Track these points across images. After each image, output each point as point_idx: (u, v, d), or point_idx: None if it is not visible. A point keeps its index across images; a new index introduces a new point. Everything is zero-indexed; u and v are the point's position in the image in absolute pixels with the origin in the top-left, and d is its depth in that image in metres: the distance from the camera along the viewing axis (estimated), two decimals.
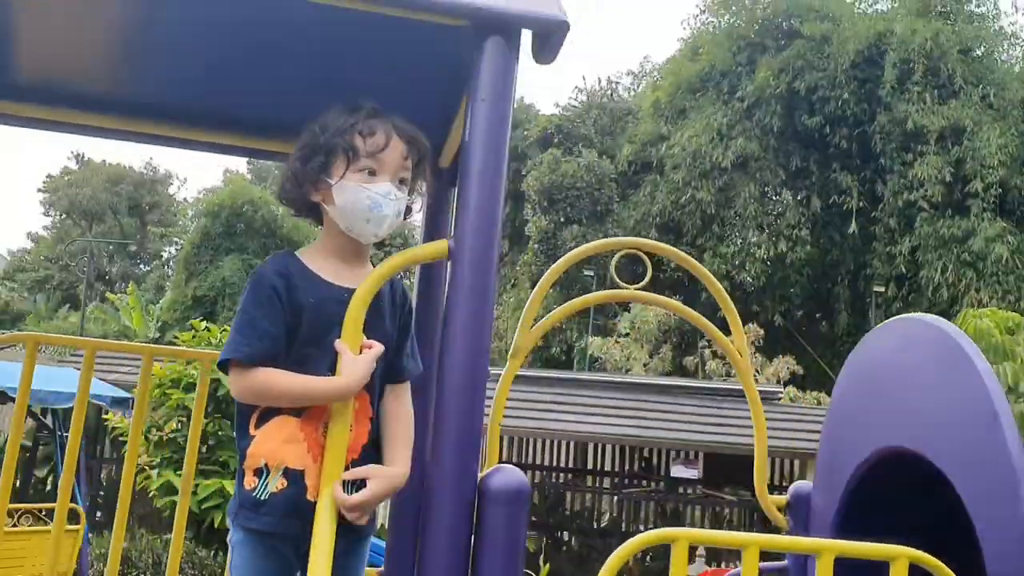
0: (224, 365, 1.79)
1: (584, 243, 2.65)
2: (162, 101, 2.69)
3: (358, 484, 1.75)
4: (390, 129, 1.91)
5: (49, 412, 9.18)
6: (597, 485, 13.84)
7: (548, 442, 13.75)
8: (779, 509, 2.70)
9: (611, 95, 29.03)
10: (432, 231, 2.68)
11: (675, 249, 2.79)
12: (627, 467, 13.84)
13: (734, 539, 1.72)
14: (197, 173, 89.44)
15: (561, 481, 14.14)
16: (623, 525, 13.26)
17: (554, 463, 14.02)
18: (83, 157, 40.02)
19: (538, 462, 13.96)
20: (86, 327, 26.87)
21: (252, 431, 1.84)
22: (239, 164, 44.74)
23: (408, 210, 2.02)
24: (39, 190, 39.48)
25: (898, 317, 2.45)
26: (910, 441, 2.23)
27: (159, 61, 2.45)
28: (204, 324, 9.23)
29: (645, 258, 2.74)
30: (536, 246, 25.43)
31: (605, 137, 27.23)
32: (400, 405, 1.94)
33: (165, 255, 38.30)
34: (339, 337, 1.73)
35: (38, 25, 2.55)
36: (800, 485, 2.69)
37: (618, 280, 2.72)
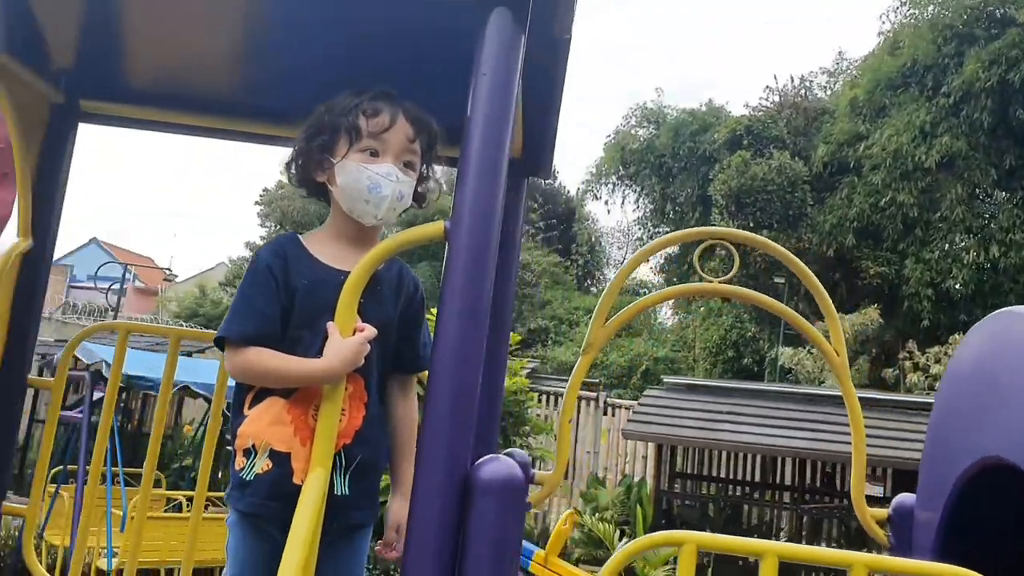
0: (220, 344, 1.82)
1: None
2: (273, 102, 2.75)
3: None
4: (396, 111, 1.88)
5: None
6: (776, 499, 13.25)
7: (727, 454, 13.31)
8: (879, 523, 2.44)
9: (805, 94, 27.77)
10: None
11: (760, 237, 2.59)
12: (808, 482, 13.16)
13: (751, 546, 1.56)
14: None
15: (739, 494, 13.64)
16: (802, 542, 12.60)
17: (732, 475, 13.55)
18: None
19: (716, 474, 13.55)
20: None
21: (245, 411, 1.86)
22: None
23: (421, 197, 1.98)
24: (256, 203, 42.47)
25: (1003, 310, 2.16)
26: (1010, 451, 1.95)
27: (271, 63, 2.51)
28: None
29: (731, 248, 2.56)
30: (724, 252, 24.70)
31: (798, 138, 26.07)
32: (407, 405, 1.90)
33: None
34: (332, 320, 1.71)
35: (155, 31, 2.70)
36: (903, 498, 2.42)
37: (702, 273, 2.55)
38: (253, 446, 1.83)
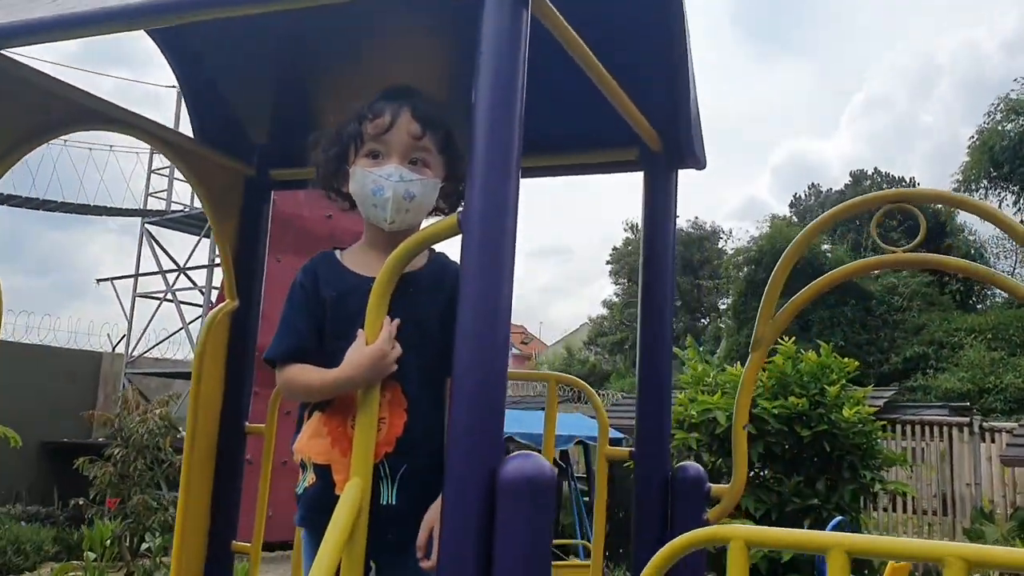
0: (272, 364, 1.87)
1: None
2: None
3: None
4: (398, 109, 1.84)
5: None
6: None
7: None
8: None
9: None
10: (650, 223, 2.48)
11: (956, 194, 2.18)
12: None
13: (813, 539, 1.27)
14: (744, 224, 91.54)
15: None
16: None
17: None
18: (638, 227, 43.71)
19: None
20: None
21: (303, 428, 1.88)
22: (783, 208, 44.74)
23: (452, 195, 1.90)
24: (607, 262, 43.97)
25: None
26: None
27: None
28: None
29: (918, 212, 2.17)
30: None
31: None
32: None
33: (723, 307, 39.59)
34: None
35: (334, 98, 2.95)
36: None
37: (880, 243, 2.19)
38: (302, 461, 1.87)
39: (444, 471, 1.46)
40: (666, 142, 2.44)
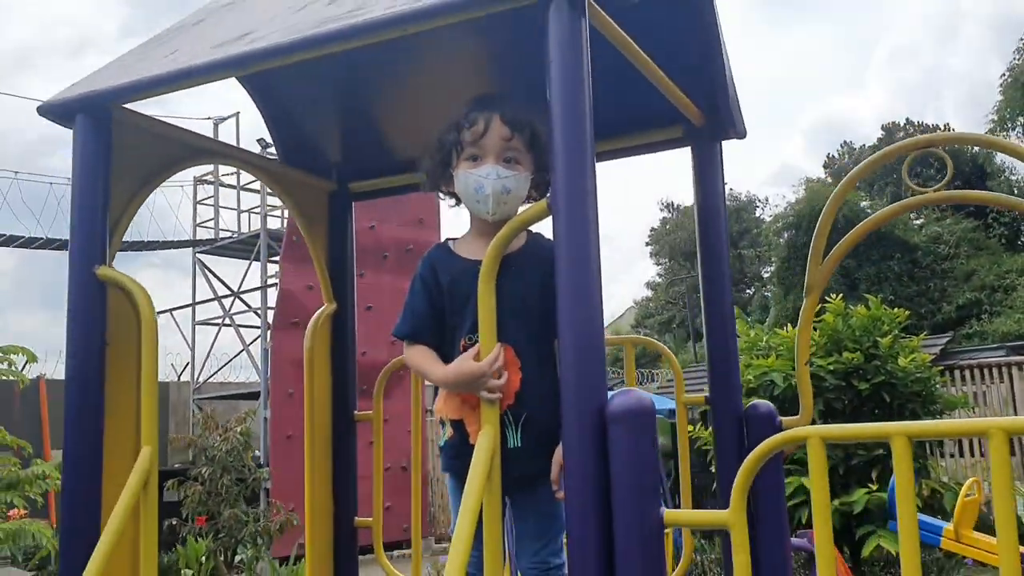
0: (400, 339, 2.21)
1: None
2: None
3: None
4: (490, 116, 2.14)
5: None
6: None
7: None
8: None
9: None
10: (702, 195, 2.75)
11: (981, 135, 2.42)
12: None
13: (876, 430, 1.53)
14: (780, 190, 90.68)
15: None
16: None
17: None
18: (673, 205, 43.86)
19: None
20: (702, 352, 29.06)
21: (438, 393, 2.21)
22: (818, 170, 44.47)
23: (541, 184, 2.19)
24: (646, 244, 44.12)
25: None
26: None
27: None
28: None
29: (944, 155, 2.41)
30: None
31: None
32: None
33: (767, 275, 39.59)
34: (474, 306, 1.98)
35: (403, 112, 3.25)
36: None
37: (911, 185, 2.44)
38: (440, 419, 2.20)
39: (559, 415, 1.76)
40: (708, 116, 2.70)
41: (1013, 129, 28.19)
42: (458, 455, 2.15)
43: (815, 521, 1.58)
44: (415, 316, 2.24)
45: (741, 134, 2.75)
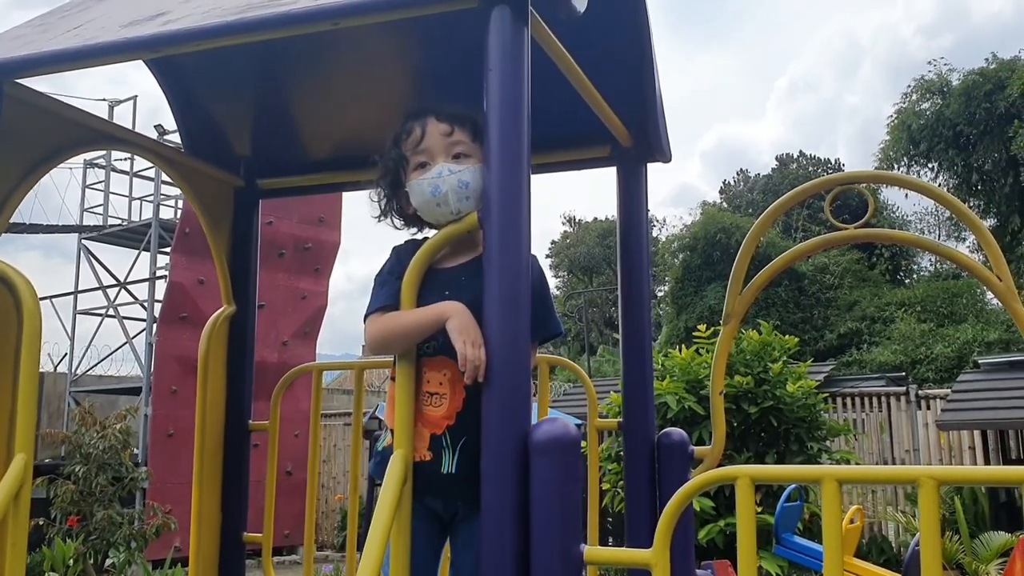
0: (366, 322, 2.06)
1: None
2: None
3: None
4: (424, 119, 2.05)
5: None
6: None
7: None
8: None
9: None
10: (624, 215, 2.71)
11: (903, 175, 2.44)
12: None
13: (807, 473, 1.50)
14: (677, 211, 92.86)
15: None
16: None
17: None
18: (575, 219, 44.35)
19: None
20: (600, 368, 29.32)
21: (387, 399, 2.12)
22: (714, 194, 45.66)
23: None
24: (547, 255, 44.44)
25: None
26: None
27: None
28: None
29: (866, 192, 2.43)
30: None
31: None
32: None
33: (661, 294, 40.41)
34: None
35: (315, 111, 3.10)
36: None
37: (834, 220, 2.45)
38: (385, 425, 2.14)
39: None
40: (636, 138, 2.67)
41: (898, 168, 29.48)
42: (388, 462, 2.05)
43: (740, 562, 1.54)
44: (390, 296, 2.04)
45: (667, 158, 2.72)
